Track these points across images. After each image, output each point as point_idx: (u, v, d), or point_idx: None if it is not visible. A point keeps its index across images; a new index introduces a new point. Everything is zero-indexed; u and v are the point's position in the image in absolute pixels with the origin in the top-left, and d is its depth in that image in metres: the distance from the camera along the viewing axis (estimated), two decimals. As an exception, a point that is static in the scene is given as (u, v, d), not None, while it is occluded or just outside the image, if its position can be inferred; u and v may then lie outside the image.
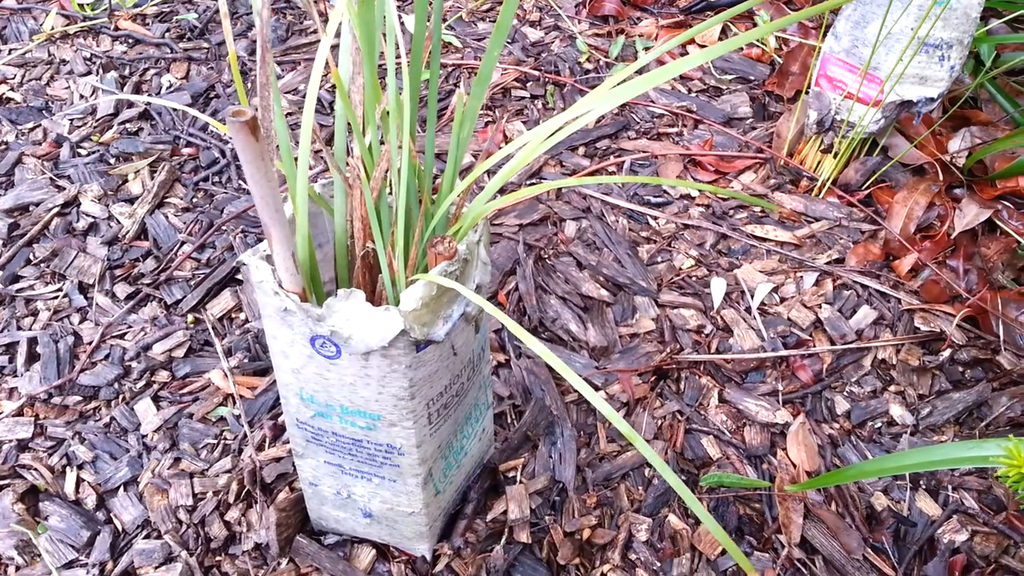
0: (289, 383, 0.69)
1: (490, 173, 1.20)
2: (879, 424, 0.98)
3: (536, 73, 1.36)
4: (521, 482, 0.88)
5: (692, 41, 1.45)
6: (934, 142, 1.25)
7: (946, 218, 1.17)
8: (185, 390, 0.95)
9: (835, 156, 1.19)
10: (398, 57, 1.24)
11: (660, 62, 1.41)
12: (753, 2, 0.52)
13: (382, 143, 0.66)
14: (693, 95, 1.35)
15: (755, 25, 1.49)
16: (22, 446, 0.91)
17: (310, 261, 0.65)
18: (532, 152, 0.61)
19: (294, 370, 0.67)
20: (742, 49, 1.44)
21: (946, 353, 1.03)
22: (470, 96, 0.62)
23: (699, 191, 1.21)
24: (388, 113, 0.65)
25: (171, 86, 1.30)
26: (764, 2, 1.49)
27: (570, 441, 0.92)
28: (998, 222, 1.16)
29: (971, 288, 1.10)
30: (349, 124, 0.68)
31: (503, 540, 0.85)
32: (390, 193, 0.70)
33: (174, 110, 1.26)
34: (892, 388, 1.01)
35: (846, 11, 1.13)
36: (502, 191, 1.17)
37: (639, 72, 1.38)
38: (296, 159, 0.66)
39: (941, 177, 1.21)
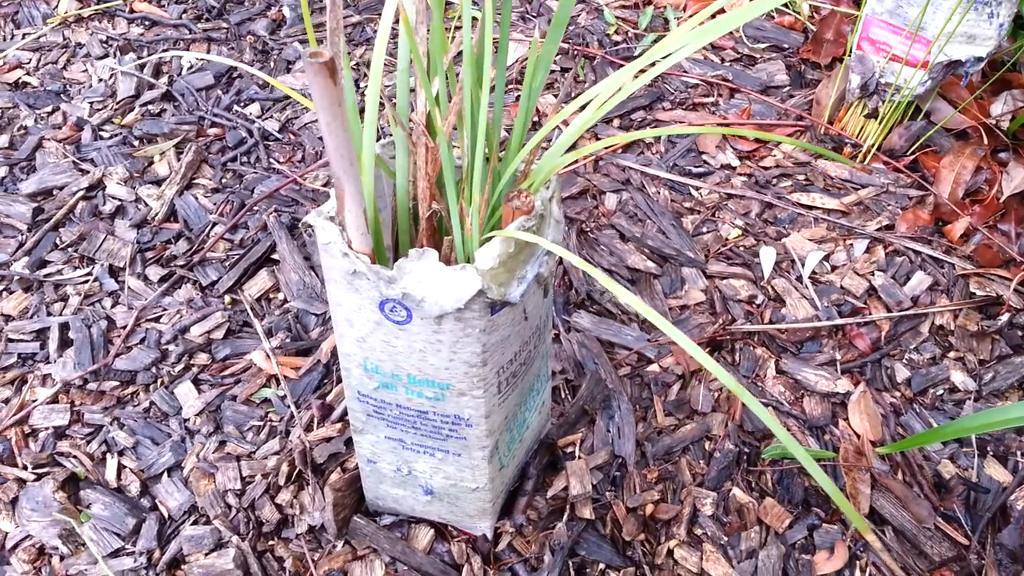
0: (352, 353, 0.66)
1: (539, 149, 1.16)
2: (941, 391, 0.95)
3: (565, 46, 1.32)
4: (580, 457, 0.85)
5: (722, 11, 1.41)
6: (976, 106, 1.22)
7: (994, 182, 1.14)
8: (226, 372, 0.92)
9: (879, 121, 1.16)
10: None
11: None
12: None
13: (449, 97, 0.62)
14: (727, 64, 1.32)
15: (784, -6, 1.46)
16: (59, 433, 0.87)
17: (376, 222, 0.62)
18: (606, 104, 0.58)
19: (359, 339, 0.64)
20: (773, 17, 1.41)
21: (1004, 317, 1.00)
22: (545, 41, 0.59)
23: (740, 160, 1.18)
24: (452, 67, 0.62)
25: (192, 67, 1.26)
26: (793, -30, 1.46)
27: (628, 415, 0.89)
28: (1047, 185, 1.13)
29: (1023, 251, 1.07)
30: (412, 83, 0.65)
31: (565, 517, 0.82)
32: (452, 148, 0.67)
33: (196, 89, 1.22)
34: (952, 354, 0.98)
35: (889, -30, 1.10)
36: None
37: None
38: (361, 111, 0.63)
39: (986, 141, 1.18)
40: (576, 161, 1.14)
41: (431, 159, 0.62)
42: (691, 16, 1.41)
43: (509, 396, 0.69)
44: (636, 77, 0.55)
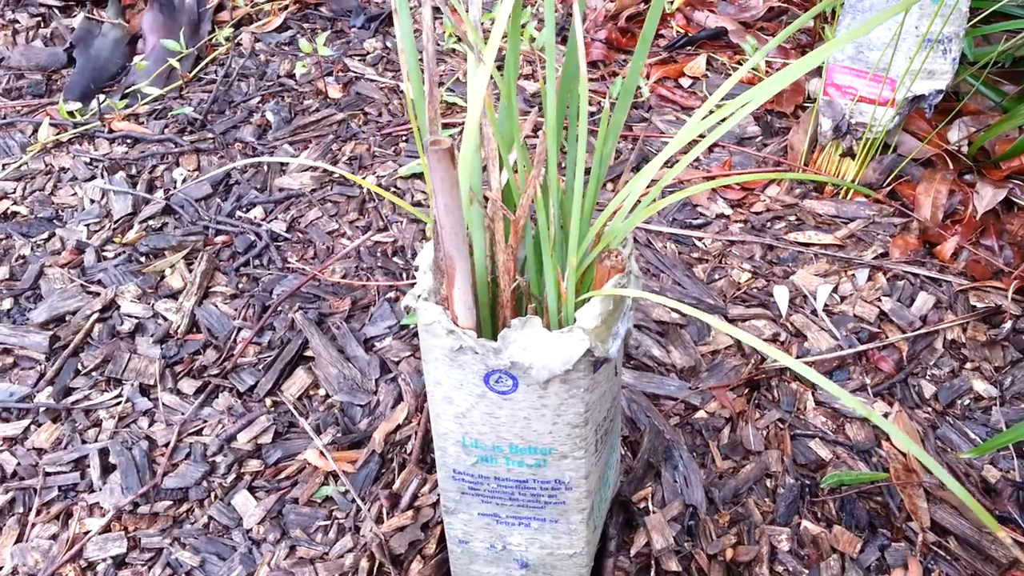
0: (449, 432, 0.66)
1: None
2: (967, 401, 1.00)
3: (542, 120, 1.38)
4: (655, 511, 0.86)
5: (682, 74, 1.50)
6: (936, 135, 1.31)
7: (967, 202, 1.23)
8: (281, 476, 0.90)
9: (854, 158, 1.24)
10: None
11: (659, 95, 1.46)
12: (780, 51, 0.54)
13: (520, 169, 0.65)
14: (699, 123, 1.39)
15: (735, 53, 1.56)
16: (119, 563, 0.84)
17: (468, 298, 0.63)
18: (677, 166, 0.62)
19: (458, 415, 0.64)
20: (731, 76, 1.50)
21: (1008, 324, 1.06)
22: (615, 110, 0.62)
23: (732, 209, 1.24)
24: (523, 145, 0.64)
25: (186, 178, 1.26)
26: (742, 31, 1.56)
27: (691, 463, 0.90)
28: (1014, 199, 1.22)
29: (1008, 262, 1.15)
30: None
31: (652, 572, 0.82)
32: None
33: (195, 200, 1.22)
34: (969, 365, 1.03)
35: (844, 21, 1.19)
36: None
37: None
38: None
39: (951, 166, 1.27)
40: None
41: (513, 231, 0.64)
42: (656, 82, 1.49)
43: (603, 455, 0.70)
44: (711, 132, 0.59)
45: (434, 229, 0.62)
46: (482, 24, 0.64)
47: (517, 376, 0.60)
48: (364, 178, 1.27)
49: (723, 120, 0.59)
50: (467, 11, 0.64)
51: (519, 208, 0.64)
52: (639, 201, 0.65)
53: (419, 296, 0.62)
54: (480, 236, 0.68)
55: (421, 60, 0.60)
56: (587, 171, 0.82)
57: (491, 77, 0.62)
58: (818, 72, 1.43)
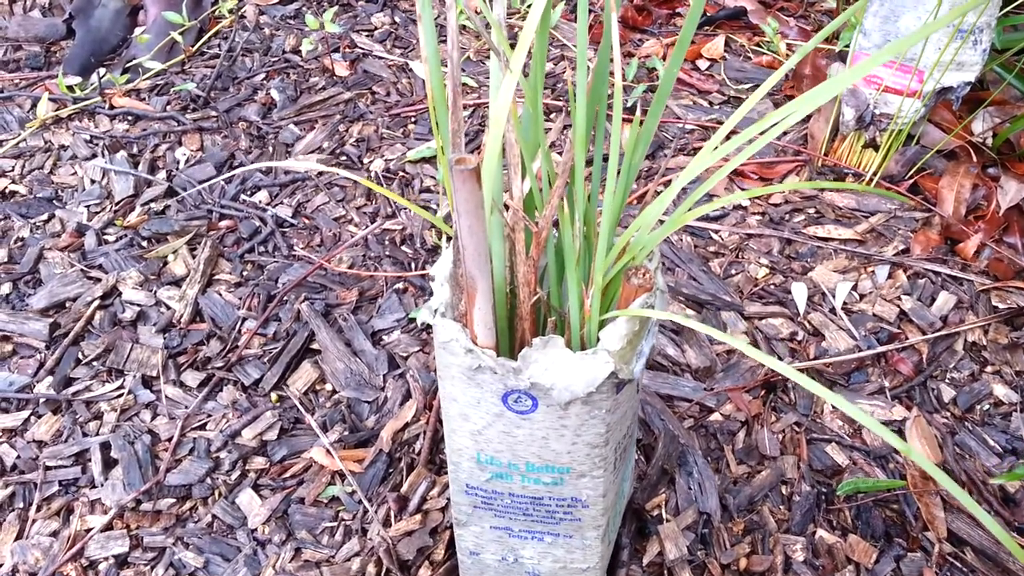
0: (464, 447, 0.64)
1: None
2: (987, 406, 0.98)
3: (559, 104, 1.34)
4: (669, 520, 0.84)
5: (700, 55, 1.46)
6: (958, 126, 1.28)
7: (991, 197, 1.19)
8: (287, 474, 0.88)
9: (876, 149, 1.20)
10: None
11: (677, 79, 1.41)
12: None
13: (550, 180, 0.62)
14: (717, 108, 1.35)
15: (755, 34, 1.51)
16: (121, 562, 0.82)
17: (486, 313, 0.61)
18: (720, 173, 0.59)
19: (474, 432, 0.62)
20: (750, 58, 1.46)
21: (1030, 327, 1.04)
22: (647, 116, 0.59)
23: (749, 199, 1.20)
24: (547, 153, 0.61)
25: (189, 159, 1.23)
26: (762, 11, 1.52)
27: (705, 469, 0.88)
28: (1039, 195, 1.19)
29: (1032, 261, 1.12)
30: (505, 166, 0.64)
31: (665, 582, 0.80)
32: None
33: (198, 182, 1.19)
34: (989, 368, 1.01)
35: (872, 7, 1.15)
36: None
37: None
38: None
39: (975, 158, 1.24)
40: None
41: (535, 243, 0.61)
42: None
43: (620, 471, 0.68)
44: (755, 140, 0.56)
45: (455, 246, 0.59)
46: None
47: (537, 397, 0.58)
48: (371, 161, 1.24)
49: (762, 133, 0.55)
50: (491, 8, 0.61)
51: (542, 219, 0.61)
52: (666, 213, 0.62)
53: (436, 311, 0.59)
54: (499, 246, 0.65)
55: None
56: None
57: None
58: (841, 59, 1.39)
